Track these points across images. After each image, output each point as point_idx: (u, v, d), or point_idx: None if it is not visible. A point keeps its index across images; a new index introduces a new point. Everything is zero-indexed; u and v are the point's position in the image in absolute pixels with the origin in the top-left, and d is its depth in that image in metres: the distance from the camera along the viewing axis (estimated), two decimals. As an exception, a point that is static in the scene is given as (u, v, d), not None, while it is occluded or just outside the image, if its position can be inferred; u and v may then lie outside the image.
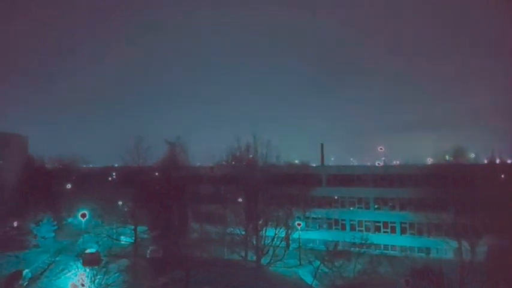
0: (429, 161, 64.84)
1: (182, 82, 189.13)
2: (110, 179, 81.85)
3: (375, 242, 55.19)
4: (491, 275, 32.76)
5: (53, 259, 52.55)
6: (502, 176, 55.08)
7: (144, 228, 57.47)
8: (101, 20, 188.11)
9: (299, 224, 56.65)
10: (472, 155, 59.77)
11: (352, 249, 49.62)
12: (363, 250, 48.82)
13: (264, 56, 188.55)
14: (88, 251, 52.97)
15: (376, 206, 61.29)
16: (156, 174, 65.98)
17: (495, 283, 32.53)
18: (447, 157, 56.97)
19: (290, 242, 58.91)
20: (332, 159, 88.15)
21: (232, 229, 56.07)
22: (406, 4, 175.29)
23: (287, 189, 56.26)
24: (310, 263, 48.41)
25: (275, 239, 53.33)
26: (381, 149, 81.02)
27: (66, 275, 46.39)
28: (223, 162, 62.66)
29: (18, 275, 43.49)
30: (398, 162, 77.67)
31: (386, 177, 61.22)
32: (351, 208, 62.44)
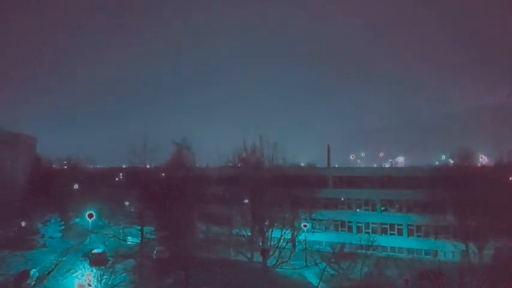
0: (436, 162, 64.51)
1: (189, 83, 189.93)
2: (116, 179, 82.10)
3: (381, 244, 55.11)
4: (494, 276, 32.59)
5: (60, 259, 52.64)
6: (510, 178, 54.59)
7: (151, 228, 57.57)
8: (106, 21, 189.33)
9: (305, 226, 56.54)
10: (480, 157, 59.43)
11: (358, 251, 49.63)
12: (369, 252, 48.73)
13: (271, 57, 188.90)
14: (95, 251, 53.21)
15: (382, 208, 60.94)
16: (163, 175, 66.07)
17: (495, 283, 32.40)
18: (454, 159, 56.63)
19: (296, 243, 58.86)
20: (338, 160, 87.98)
21: (238, 230, 56.06)
22: (407, 4, 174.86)
23: (293, 190, 56.13)
24: (316, 264, 48.43)
25: (281, 241, 53.24)
26: (389, 149, 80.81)
27: (73, 275, 46.38)
28: (230, 164, 62.67)
29: (25, 274, 43.62)
30: (405, 163, 77.37)
31: (393, 179, 60.81)
32: (358, 210, 62.09)
